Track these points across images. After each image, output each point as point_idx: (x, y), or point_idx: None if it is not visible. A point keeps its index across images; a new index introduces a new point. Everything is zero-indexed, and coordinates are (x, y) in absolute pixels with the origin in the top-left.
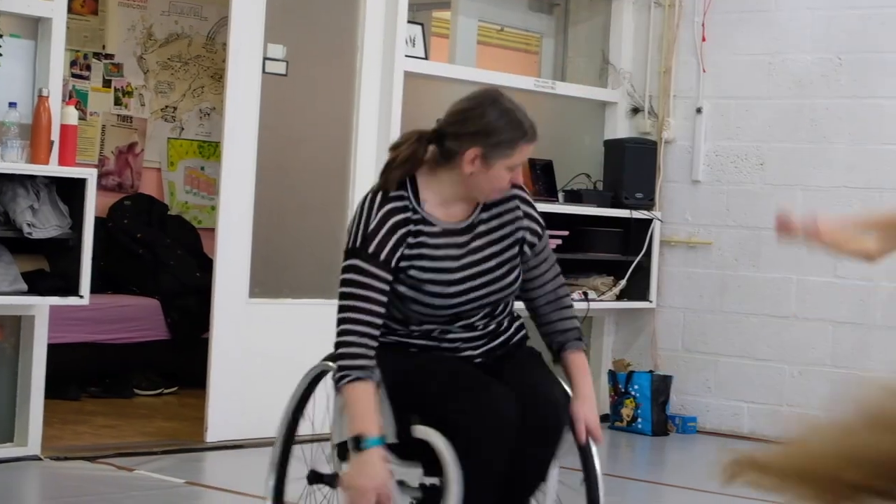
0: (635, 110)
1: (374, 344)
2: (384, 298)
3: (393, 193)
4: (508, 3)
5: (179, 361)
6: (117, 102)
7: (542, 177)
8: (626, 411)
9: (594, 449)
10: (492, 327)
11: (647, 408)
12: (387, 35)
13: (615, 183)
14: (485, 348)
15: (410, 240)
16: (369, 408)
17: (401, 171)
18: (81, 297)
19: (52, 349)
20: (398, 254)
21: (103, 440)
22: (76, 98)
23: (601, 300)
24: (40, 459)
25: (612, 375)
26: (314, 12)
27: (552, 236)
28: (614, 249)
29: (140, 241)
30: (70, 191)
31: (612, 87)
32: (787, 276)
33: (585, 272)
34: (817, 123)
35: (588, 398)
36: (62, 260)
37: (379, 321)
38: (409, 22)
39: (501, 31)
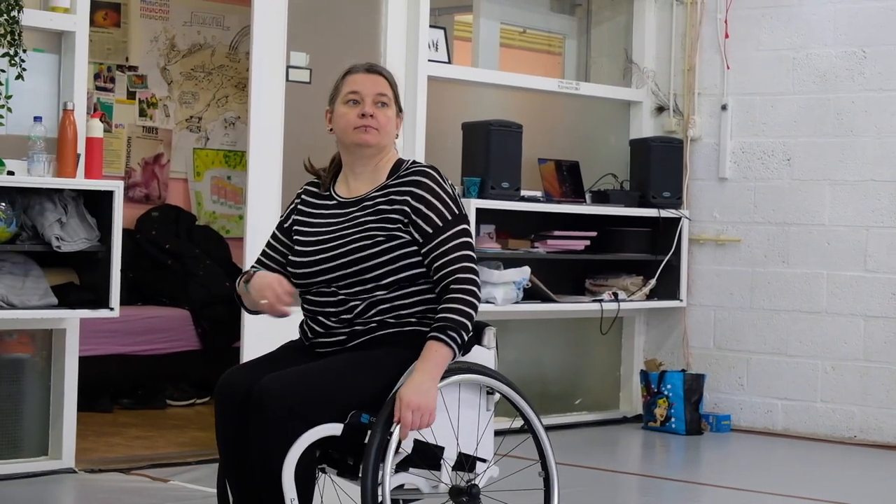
0: (660, 109)
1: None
2: (273, 251)
3: (315, 180)
4: (530, 5)
5: (211, 371)
6: (142, 114)
7: (569, 178)
8: (660, 411)
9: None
10: (353, 308)
11: (681, 407)
12: (409, 40)
13: (642, 182)
14: (337, 332)
15: (303, 208)
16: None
17: (330, 166)
18: (112, 309)
19: (84, 362)
20: (290, 220)
21: (137, 451)
22: (101, 111)
23: (631, 300)
24: (75, 472)
25: (645, 375)
26: (336, 19)
27: (580, 237)
28: (643, 249)
29: (168, 251)
30: (97, 203)
31: (636, 86)
32: (817, 272)
33: (615, 272)
34: (843, 117)
35: (410, 383)
36: (91, 273)
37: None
38: (431, 26)
39: (524, 33)
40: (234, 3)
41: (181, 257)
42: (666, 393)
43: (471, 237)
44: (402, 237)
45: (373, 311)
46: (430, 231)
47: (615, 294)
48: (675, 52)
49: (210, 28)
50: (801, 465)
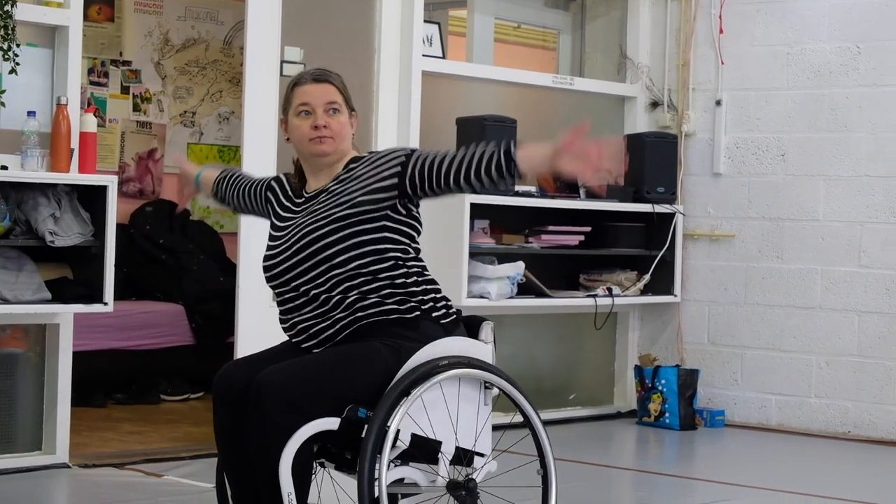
0: (654, 104)
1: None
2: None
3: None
4: (525, 0)
5: (205, 366)
6: (136, 109)
7: None
8: (654, 406)
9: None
10: (327, 301)
11: (675, 402)
12: (403, 35)
13: (636, 178)
14: (320, 329)
15: (276, 196)
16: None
17: (295, 171)
18: (105, 304)
19: (78, 357)
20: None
21: (131, 446)
22: (95, 105)
23: (625, 295)
24: (68, 467)
25: (639, 370)
26: (330, 14)
27: (574, 232)
28: (637, 244)
29: (162, 246)
30: (91, 198)
31: (630, 81)
32: (811, 267)
33: (609, 268)
34: (837, 113)
35: (535, 151)
36: (85, 267)
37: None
38: (425, 21)
39: (518, 28)
40: None
41: (175, 252)
42: (660, 388)
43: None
44: (350, 215)
45: (339, 295)
46: (399, 168)
47: (609, 289)
48: (669, 48)
49: (204, 23)
50: (794, 461)
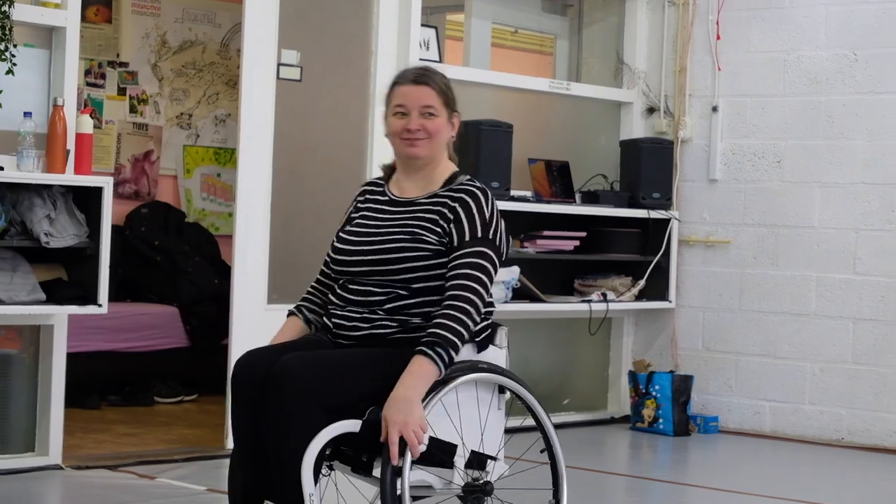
0: (651, 110)
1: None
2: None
3: (373, 178)
4: (522, 5)
5: (199, 368)
6: (132, 110)
7: (559, 178)
8: (648, 412)
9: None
10: (374, 305)
11: (669, 408)
12: (400, 38)
13: (632, 183)
14: (361, 326)
15: (360, 200)
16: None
17: (387, 166)
18: (100, 305)
19: (72, 358)
20: (350, 209)
21: (124, 448)
22: (91, 107)
23: (620, 301)
24: (62, 468)
25: (633, 376)
26: (328, 17)
27: (570, 238)
28: (632, 250)
29: (157, 248)
30: (87, 199)
31: (627, 87)
32: (806, 274)
33: (604, 273)
34: (834, 120)
35: (393, 400)
36: (80, 269)
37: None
38: (422, 25)
39: (515, 32)
40: (226, 0)
41: (170, 254)
42: (654, 394)
43: (492, 262)
44: (438, 248)
45: (396, 312)
46: (457, 241)
47: (604, 294)
48: (666, 54)
49: (201, 25)
50: (788, 467)
